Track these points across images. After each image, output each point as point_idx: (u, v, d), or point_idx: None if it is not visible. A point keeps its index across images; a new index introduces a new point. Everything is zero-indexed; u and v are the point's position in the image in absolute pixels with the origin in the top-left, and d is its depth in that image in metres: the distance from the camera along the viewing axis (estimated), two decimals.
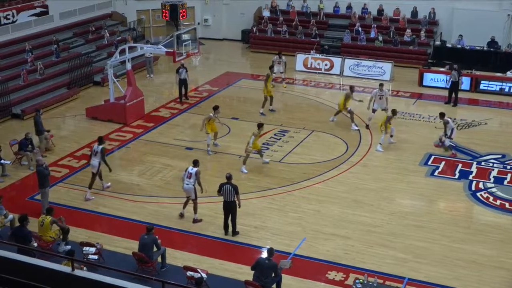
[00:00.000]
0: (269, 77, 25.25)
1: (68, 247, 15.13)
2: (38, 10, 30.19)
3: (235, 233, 16.54)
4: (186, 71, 26.75)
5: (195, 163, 17.12)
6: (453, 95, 26.59)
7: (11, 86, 25.57)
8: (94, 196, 18.51)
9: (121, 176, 20.07)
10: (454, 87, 26.58)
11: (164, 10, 33.73)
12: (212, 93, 27.82)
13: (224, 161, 21.12)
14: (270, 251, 13.73)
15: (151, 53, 28.83)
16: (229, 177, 16.39)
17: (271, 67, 26.48)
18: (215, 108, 21.87)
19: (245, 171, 20.16)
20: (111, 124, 24.12)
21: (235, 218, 16.49)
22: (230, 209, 16.34)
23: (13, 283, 11.43)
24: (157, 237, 14.76)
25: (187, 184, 16.93)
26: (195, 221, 17.06)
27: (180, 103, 26.50)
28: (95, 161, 18.24)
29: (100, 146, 18.26)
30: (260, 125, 20.58)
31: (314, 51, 32.27)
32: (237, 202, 16.30)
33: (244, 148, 20.38)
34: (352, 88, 24.26)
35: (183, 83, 26.71)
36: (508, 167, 20.54)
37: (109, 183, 18.98)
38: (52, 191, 18.78)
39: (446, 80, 28.30)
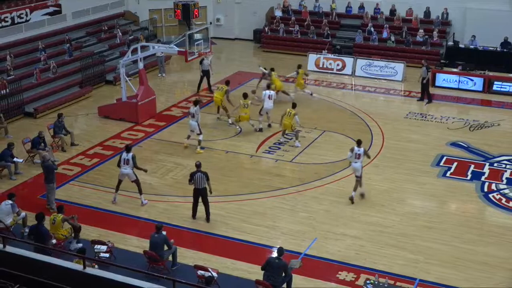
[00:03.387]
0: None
1: (80, 245, 15.20)
2: (51, 9, 30.35)
3: (208, 219, 17.02)
4: (210, 62, 27.06)
5: (359, 143, 18.29)
6: (425, 91, 26.78)
7: (24, 85, 25.71)
8: (147, 200, 18.35)
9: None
10: (424, 83, 26.65)
11: (176, 10, 33.77)
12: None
13: (235, 160, 21.13)
14: (280, 250, 13.71)
15: (162, 52, 28.92)
16: (198, 165, 16.98)
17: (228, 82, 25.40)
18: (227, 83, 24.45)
19: (299, 144, 22.08)
20: (123, 123, 24.20)
21: (208, 204, 16.98)
22: (201, 195, 16.89)
23: (25, 280, 11.49)
24: (167, 236, 14.78)
25: (355, 162, 18.14)
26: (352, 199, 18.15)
27: (197, 95, 27.19)
28: (127, 169, 17.86)
29: (130, 154, 17.95)
30: (294, 105, 22.21)
31: (326, 51, 32.23)
32: (208, 188, 16.87)
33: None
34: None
35: (205, 74, 27.33)
36: None
37: (146, 201, 18.36)
38: (64, 189, 18.95)
39: (459, 81, 28.27)
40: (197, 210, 17.08)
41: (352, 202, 18.06)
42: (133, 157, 18.00)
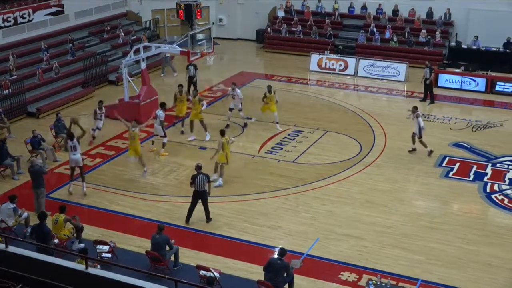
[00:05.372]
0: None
1: (82, 245, 15.18)
2: (54, 9, 30.41)
3: (209, 219, 16.97)
4: (196, 68, 27.01)
5: (416, 108, 20.99)
6: (428, 92, 26.81)
7: (26, 85, 25.75)
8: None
9: (135, 175, 20.14)
10: (427, 84, 26.64)
11: (179, 10, 33.81)
12: (226, 92, 27.76)
13: (238, 161, 21.09)
14: (282, 251, 13.70)
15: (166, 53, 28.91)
16: (200, 167, 16.86)
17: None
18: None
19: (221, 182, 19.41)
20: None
21: (207, 206, 16.93)
22: (201, 197, 16.78)
23: (27, 280, 11.50)
24: (169, 237, 14.79)
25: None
26: None
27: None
28: (76, 155, 18.58)
29: (74, 139, 18.72)
30: (223, 132, 19.59)
31: (328, 51, 32.23)
32: (207, 189, 16.82)
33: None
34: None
35: (191, 80, 27.12)
36: None
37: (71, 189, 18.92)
38: (66, 189, 18.95)
39: (461, 81, 28.26)
40: (192, 213, 16.93)
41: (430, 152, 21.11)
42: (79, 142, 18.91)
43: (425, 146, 21.25)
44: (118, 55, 31.18)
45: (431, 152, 21.21)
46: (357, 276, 14.70)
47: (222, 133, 19.47)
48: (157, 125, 21.56)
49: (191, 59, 24.31)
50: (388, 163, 20.88)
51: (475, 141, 22.52)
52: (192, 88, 26.99)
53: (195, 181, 16.68)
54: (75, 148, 18.60)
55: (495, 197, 18.66)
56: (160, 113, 21.58)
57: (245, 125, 23.67)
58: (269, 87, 23.74)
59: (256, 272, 14.35)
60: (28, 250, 12.41)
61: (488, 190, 19.04)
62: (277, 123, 23.60)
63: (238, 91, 24.01)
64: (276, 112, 23.45)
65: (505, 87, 27.98)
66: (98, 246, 15.02)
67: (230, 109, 24.01)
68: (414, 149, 21.45)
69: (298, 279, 14.07)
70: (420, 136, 21.20)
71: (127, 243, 16.03)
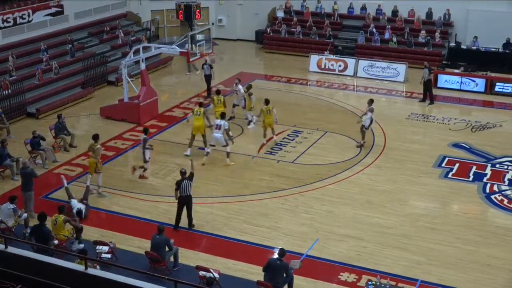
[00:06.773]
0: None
1: (82, 245, 15.20)
2: (53, 10, 30.39)
3: (191, 225, 16.83)
4: (211, 67, 27.25)
5: (371, 101, 22.32)
6: (427, 93, 26.83)
7: (26, 85, 25.73)
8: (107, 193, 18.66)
9: (135, 176, 20.12)
10: (427, 85, 26.66)
11: (178, 11, 33.80)
12: (226, 93, 27.79)
13: (237, 161, 21.09)
14: (281, 251, 13.71)
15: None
16: (184, 173, 16.74)
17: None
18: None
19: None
20: (125, 124, 24.20)
21: (191, 211, 16.78)
22: (186, 203, 16.64)
23: (27, 280, 11.51)
24: (168, 237, 14.80)
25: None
26: None
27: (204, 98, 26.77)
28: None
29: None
30: (267, 101, 21.99)
31: (328, 52, 32.22)
32: (191, 195, 16.65)
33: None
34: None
35: (207, 79, 27.44)
36: None
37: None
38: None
39: (461, 82, 28.27)
40: (180, 219, 16.78)
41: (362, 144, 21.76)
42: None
43: (363, 137, 21.92)
44: (117, 56, 31.18)
45: (362, 144, 21.85)
46: (357, 277, 14.71)
47: (266, 101, 22.17)
48: (219, 134, 20.62)
49: (191, 60, 24.33)
50: (388, 163, 20.89)
51: (475, 142, 22.53)
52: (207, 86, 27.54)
53: (180, 187, 16.51)
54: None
55: (495, 197, 18.67)
56: (224, 122, 20.75)
57: (249, 123, 23.79)
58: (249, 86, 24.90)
59: (255, 273, 14.35)
60: (28, 251, 12.42)
61: (487, 191, 19.05)
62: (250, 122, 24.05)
63: (240, 87, 24.24)
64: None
65: (505, 87, 27.99)
66: (97, 247, 15.02)
67: (234, 105, 24.36)
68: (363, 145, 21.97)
69: (297, 280, 14.08)
70: (366, 128, 21.89)
71: (126, 243, 16.03)
